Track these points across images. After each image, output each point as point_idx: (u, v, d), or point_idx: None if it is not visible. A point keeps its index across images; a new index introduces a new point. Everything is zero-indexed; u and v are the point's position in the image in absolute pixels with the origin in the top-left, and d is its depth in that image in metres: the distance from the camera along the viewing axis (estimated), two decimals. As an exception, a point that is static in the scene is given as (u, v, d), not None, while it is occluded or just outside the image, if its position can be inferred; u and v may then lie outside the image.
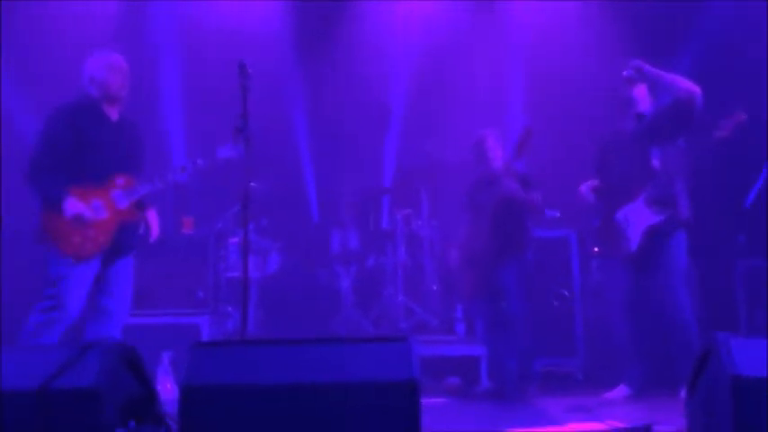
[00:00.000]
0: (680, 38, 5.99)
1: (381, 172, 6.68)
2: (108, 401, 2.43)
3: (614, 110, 4.50)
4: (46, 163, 3.69)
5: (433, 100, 6.44)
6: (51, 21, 6.17)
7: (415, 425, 2.33)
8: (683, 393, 3.37)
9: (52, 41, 6.13)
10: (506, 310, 4.73)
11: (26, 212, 5.98)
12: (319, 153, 6.77)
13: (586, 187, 4.54)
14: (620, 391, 4.42)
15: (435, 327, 5.71)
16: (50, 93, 6.01)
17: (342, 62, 6.57)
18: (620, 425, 3.35)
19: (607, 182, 4.51)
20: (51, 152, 3.69)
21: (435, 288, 5.88)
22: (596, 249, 5.62)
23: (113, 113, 3.86)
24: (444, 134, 6.23)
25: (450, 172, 6.00)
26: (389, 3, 6.58)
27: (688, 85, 4.16)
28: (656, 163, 4.23)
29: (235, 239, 5.67)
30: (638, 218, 4.35)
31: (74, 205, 3.64)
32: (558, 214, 5.62)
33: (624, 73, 4.30)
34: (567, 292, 5.48)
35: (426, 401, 2.60)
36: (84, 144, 3.71)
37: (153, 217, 3.99)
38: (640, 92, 4.39)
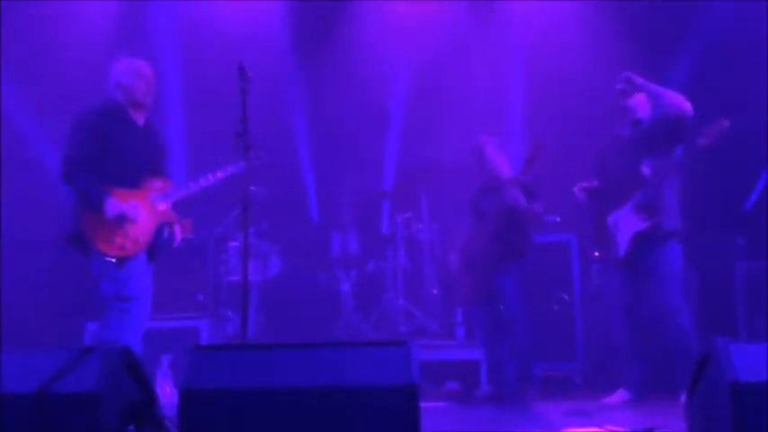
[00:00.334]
0: (679, 38, 5.99)
1: (381, 175, 6.68)
2: (108, 405, 2.43)
3: (613, 115, 4.51)
4: (81, 163, 3.69)
5: (432, 102, 6.44)
6: (51, 21, 6.18)
7: (415, 429, 2.33)
8: (682, 398, 3.37)
9: (52, 42, 6.14)
10: (505, 313, 4.73)
11: (26, 220, 6.06)
12: (319, 156, 6.77)
13: (579, 187, 4.55)
14: (620, 395, 4.42)
15: (435, 331, 5.71)
16: (50, 93, 6.06)
17: (341, 64, 6.57)
18: (620, 429, 3.35)
19: (602, 186, 4.53)
20: (84, 153, 3.70)
21: (435, 292, 5.88)
22: (597, 254, 5.62)
23: (139, 119, 3.88)
24: (444, 137, 6.23)
25: (450, 175, 6.01)
26: (388, 4, 6.59)
27: (678, 102, 4.17)
28: (645, 170, 4.25)
29: (235, 243, 5.67)
30: (626, 223, 4.38)
31: (115, 205, 3.64)
32: (559, 219, 5.62)
33: (617, 86, 4.32)
34: (566, 297, 5.48)
35: (426, 405, 2.60)
36: (110, 148, 3.72)
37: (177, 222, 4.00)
38: (638, 99, 4.40)
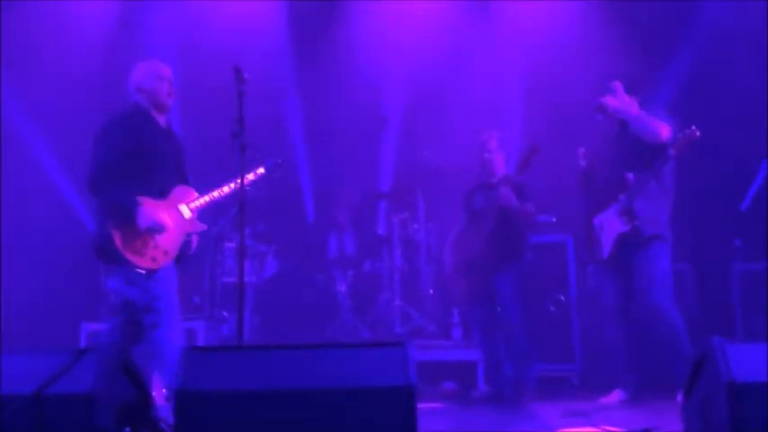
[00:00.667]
0: (678, 37, 5.99)
1: (378, 176, 6.68)
2: (104, 407, 2.42)
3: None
4: (113, 173, 3.59)
5: (429, 103, 6.44)
6: (48, 22, 6.16)
7: (412, 430, 2.33)
8: (679, 398, 3.37)
9: (49, 43, 6.13)
10: (503, 314, 4.74)
11: (23, 222, 6.05)
12: (316, 157, 6.76)
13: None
14: (616, 395, 4.42)
15: (432, 331, 5.70)
16: (47, 94, 6.05)
17: (339, 64, 6.57)
18: (617, 430, 3.35)
19: (592, 187, 4.54)
20: (115, 162, 3.60)
21: (432, 292, 5.88)
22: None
23: (161, 121, 3.84)
24: (441, 137, 6.23)
25: (446, 176, 6.01)
26: (386, 5, 6.59)
27: (654, 129, 4.17)
28: (629, 176, 4.27)
29: (231, 244, 5.66)
30: (610, 225, 4.40)
31: (147, 217, 3.56)
32: (554, 219, 5.62)
33: (594, 114, 4.34)
34: (563, 297, 5.48)
35: (423, 406, 2.60)
36: (143, 153, 3.67)
37: None
38: (619, 101, 4.39)
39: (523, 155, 4.59)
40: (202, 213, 3.89)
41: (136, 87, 3.81)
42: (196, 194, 3.82)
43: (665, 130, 4.14)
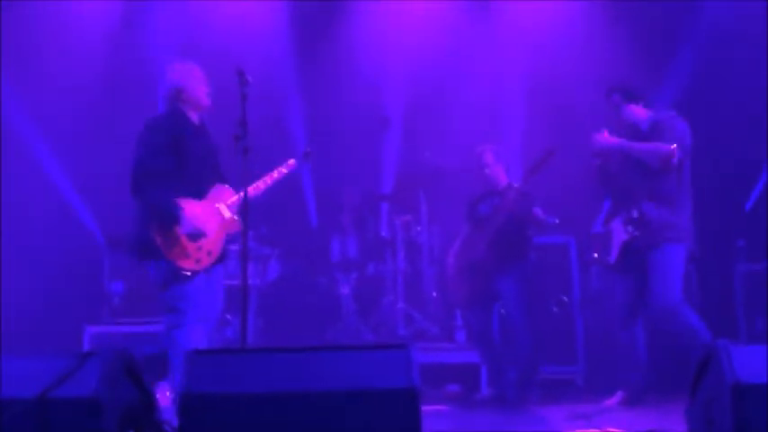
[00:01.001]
0: (679, 38, 5.98)
1: (380, 178, 6.67)
2: (108, 410, 2.42)
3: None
4: (152, 175, 3.60)
5: (431, 105, 6.44)
6: (48, 23, 6.17)
7: (416, 432, 2.33)
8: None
9: (48, 43, 6.13)
10: (507, 316, 4.74)
11: (26, 224, 6.05)
12: (318, 159, 6.75)
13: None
14: (618, 397, 4.41)
15: (435, 334, 5.70)
16: (47, 95, 6.05)
17: (340, 66, 6.56)
18: (621, 432, 3.34)
19: (609, 189, 4.53)
20: (155, 163, 3.62)
21: (435, 295, 5.87)
22: (596, 255, 5.62)
23: (197, 120, 3.85)
24: (443, 139, 6.23)
25: (449, 177, 6.00)
26: (387, 5, 6.59)
27: (657, 156, 4.17)
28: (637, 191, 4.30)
29: (234, 247, 5.65)
30: (617, 232, 4.41)
31: (191, 220, 3.60)
32: (558, 221, 5.62)
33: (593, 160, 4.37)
34: (566, 299, 5.48)
35: (427, 409, 2.60)
36: (181, 154, 3.68)
37: None
38: (630, 110, 4.38)
39: (539, 157, 4.57)
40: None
41: (174, 89, 3.81)
42: (233, 193, 3.81)
43: (673, 155, 4.13)
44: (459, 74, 6.43)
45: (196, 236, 3.61)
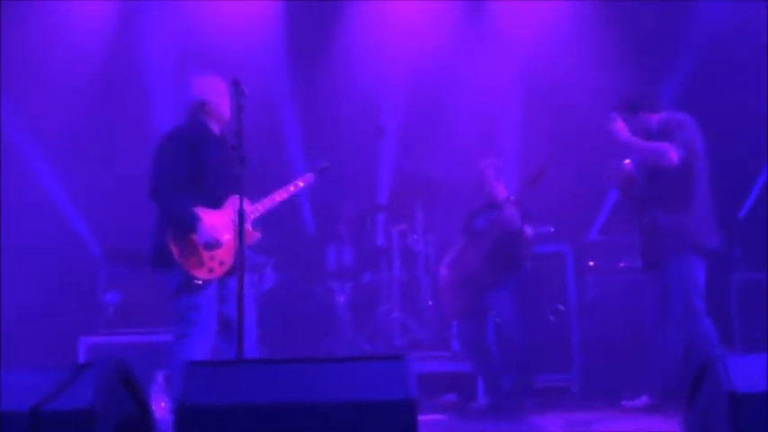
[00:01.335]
0: (676, 39, 6.00)
1: (376, 187, 6.68)
2: (103, 422, 2.41)
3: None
4: (171, 185, 3.67)
5: (428, 114, 6.45)
6: (43, 26, 6.16)
7: (413, 443, 2.32)
8: None
9: (44, 47, 6.12)
10: (502, 325, 4.74)
11: (21, 233, 6.03)
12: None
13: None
14: (643, 402, 4.39)
15: (431, 343, 5.69)
16: (40, 99, 6.04)
17: (336, 75, 6.58)
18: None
19: (635, 192, 4.48)
20: (174, 175, 3.69)
21: (431, 304, 5.87)
22: (591, 263, 5.63)
23: (218, 133, 3.90)
24: (440, 148, 6.24)
25: (445, 186, 6.01)
26: (383, 15, 6.61)
27: (660, 157, 4.11)
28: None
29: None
30: (638, 237, 4.43)
31: (206, 230, 3.63)
32: (553, 229, 5.63)
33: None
34: (562, 307, 5.48)
35: (423, 418, 2.59)
36: (200, 164, 3.72)
37: None
38: (641, 121, 4.37)
39: (534, 171, 4.58)
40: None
41: (197, 101, 3.86)
42: (250, 204, 3.83)
43: (672, 154, 4.07)
44: (455, 83, 6.45)
45: (212, 245, 3.64)
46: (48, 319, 5.77)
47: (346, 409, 2.34)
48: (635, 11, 6.09)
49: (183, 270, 3.64)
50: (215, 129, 3.87)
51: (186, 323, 3.66)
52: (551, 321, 5.45)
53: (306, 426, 2.34)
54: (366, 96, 6.45)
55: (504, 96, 6.35)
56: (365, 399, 2.35)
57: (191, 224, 3.63)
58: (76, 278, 5.98)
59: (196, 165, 3.71)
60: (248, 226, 3.79)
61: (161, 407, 4.69)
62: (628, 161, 4.34)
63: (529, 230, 4.69)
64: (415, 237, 5.98)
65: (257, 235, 3.86)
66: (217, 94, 3.86)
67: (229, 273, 3.74)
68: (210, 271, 3.66)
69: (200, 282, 3.64)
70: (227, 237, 3.71)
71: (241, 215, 3.45)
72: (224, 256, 3.71)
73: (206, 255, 3.65)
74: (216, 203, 3.76)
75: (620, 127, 4.26)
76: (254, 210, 3.84)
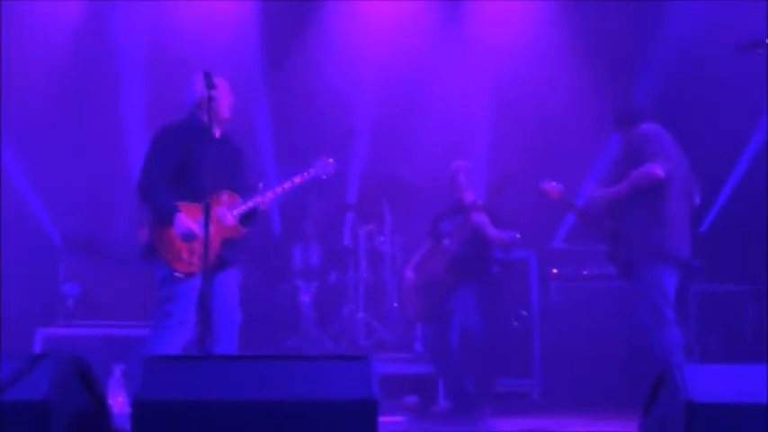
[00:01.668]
0: (648, 45, 6.06)
1: (345, 187, 6.66)
2: (57, 415, 2.36)
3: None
4: (156, 179, 3.75)
5: (399, 116, 6.46)
6: (10, 23, 6.03)
7: (373, 444, 2.32)
8: None
9: (11, 44, 6.00)
10: (466, 330, 4.75)
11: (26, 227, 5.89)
12: (283, 166, 6.72)
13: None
14: None
15: (395, 344, 5.70)
16: (6, 94, 5.91)
17: (308, 75, 6.55)
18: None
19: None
20: (160, 169, 3.76)
21: (396, 305, 5.88)
22: (555, 271, 5.69)
23: (217, 132, 3.90)
24: (409, 150, 6.25)
25: (413, 188, 6.02)
26: (357, 17, 6.60)
27: (645, 178, 4.06)
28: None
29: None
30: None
31: (183, 221, 3.66)
32: (519, 235, 5.67)
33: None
34: (525, 312, 5.53)
35: (384, 420, 2.59)
36: (190, 163, 3.74)
37: None
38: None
39: (497, 181, 4.61)
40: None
41: (198, 98, 3.84)
42: (237, 200, 3.83)
43: (656, 171, 4.02)
44: (428, 86, 6.47)
45: (188, 238, 3.66)
46: (4, 310, 5.64)
47: (308, 407, 2.32)
48: (608, 19, 6.16)
49: (165, 262, 3.71)
50: (213, 127, 3.86)
51: (162, 314, 3.71)
52: (514, 327, 5.50)
53: (267, 423, 2.32)
54: (338, 96, 6.44)
55: (476, 101, 6.39)
56: (327, 397, 2.34)
57: (169, 216, 3.67)
58: (35, 267, 5.86)
59: (184, 160, 3.74)
60: (233, 221, 3.80)
61: (118, 401, 4.62)
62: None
63: (494, 233, 4.72)
64: (382, 238, 5.98)
65: (243, 230, 3.84)
66: (217, 92, 3.81)
67: (217, 268, 3.74)
68: (190, 265, 3.69)
69: (179, 275, 3.69)
70: (210, 231, 3.67)
71: (206, 216, 3.44)
72: (197, 250, 3.68)
73: (184, 248, 3.69)
74: (202, 199, 3.71)
75: (598, 196, 4.27)
76: (240, 206, 3.82)
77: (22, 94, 5.96)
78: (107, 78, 6.24)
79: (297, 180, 3.95)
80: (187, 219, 3.67)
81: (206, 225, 3.43)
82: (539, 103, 6.14)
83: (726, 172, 5.99)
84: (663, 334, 4.06)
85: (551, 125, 6.19)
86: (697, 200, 4.33)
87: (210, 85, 3.55)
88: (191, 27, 6.37)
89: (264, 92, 6.55)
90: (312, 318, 5.82)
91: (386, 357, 5.40)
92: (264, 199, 3.85)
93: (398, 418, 4.63)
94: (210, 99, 3.55)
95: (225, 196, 3.82)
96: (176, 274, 3.70)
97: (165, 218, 3.69)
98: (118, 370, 4.84)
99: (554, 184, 4.46)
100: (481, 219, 4.66)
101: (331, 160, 4.07)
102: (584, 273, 5.64)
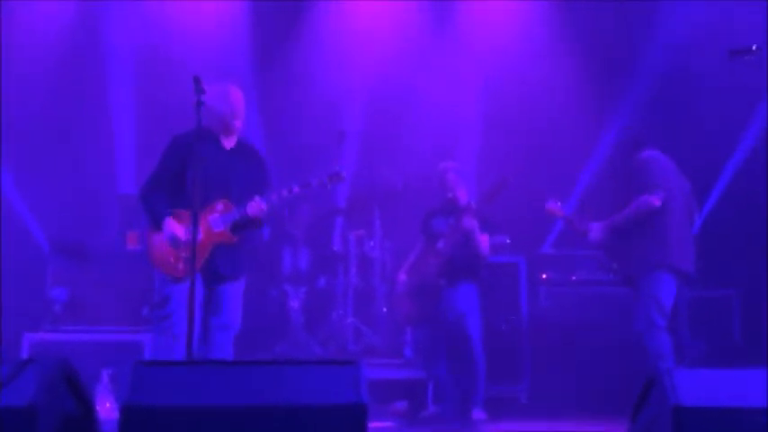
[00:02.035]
0: (641, 48, 6.08)
1: (335, 192, 6.65)
2: (44, 421, 2.34)
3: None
4: (153, 186, 3.87)
5: (389, 120, 6.47)
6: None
7: (362, 450, 2.31)
8: None
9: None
10: (459, 334, 4.75)
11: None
12: (272, 170, 6.69)
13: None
14: None
15: (384, 349, 5.69)
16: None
17: (298, 78, 6.55)
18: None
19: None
20: (161, 176, 3.87)
21: (385, 310, 5.87)
22: (544, 276, 5.70)
23: (229, 141, 3.95)
24: (399, 154, 6.25)
25: (403, 193, 6.02)
26: (347, 20, 6.60)
27: (642, 209, 4.23)
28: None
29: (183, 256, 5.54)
30: None
31: (171, 226, 3.75)
32: (508, 240, 5.69)
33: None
34: (514, 317, 5.54)
35: (374, 425, 2.58)
36: (188, 171, 3.77)
37: None
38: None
39: (492, 187, 4.61)
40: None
41: (205, 106, 3.78)
42: (231, 208, 3.84)
43: (653, 201, 4.20)
44: (418, 88, 6.47)
45: (174, 243, 3.73)
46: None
47: (297, 413, 2.32)
48: (601, 19, 6.17)
49: (155, 265, 3.83)
50: (221, 135, 3.91)
51: (157, 318, 3.81)
52: (503, 331, 5.50)
53: (256, 428, 2.31)
54: (328, 100, 6.44)
55: (467, 104, 6.40)
56: (316, 402, 2.33)
57: (159, 220, 3.77)
58: (22, 272, 5.82)
59: (185, 168, 3.79)
60: (223, 228, 3.81)
61: (106, 407, 4.59)
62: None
63: (482, 241, 4.72)
64: (372, 243, 5.97)
65: (233, 238, 3.84)
66: (220, 99, 3.87)
67: (215, 276, 3.80)
68: (176, 269, 3.76)
69: (168, 279, 3.77)
70: (198, 238, 3.65)
71: (195, 219, 3.42)
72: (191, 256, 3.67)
73: (172, 253, 3.75)
74: (194, 207, 3.73)
75: (603, 228, 4.39)
76: (232, 214, 3.82)
77: (9, 97, 5.92)
78: (95, 82, 6.22)
79: (295, 189, 3.93)
80: (175, 224, 3.73)
81: (194, 232, 3.43)
82: (530, 105, 6.16)
83: (714, 176, 6.02)
84: (654, 339, 4.13)
85: (542, 127, 6.21)
86: (695, 223, 4.54)
87: (199, 90, 3.54)
88: (180, 29, 6.35)
89: (253, 95, 6.53)
90: (301, 322, 5.80)
91: (375, 362, 5.38)
92: (252, 209, 3.80)
93: (388, 424, 4.63)
94: (199, 104, 3.54)
95: (220, 205, 3.84)
96: (168, 279, 3.77)
97: (156, 223, 3.79)
98: (106, 375, 4.81)
99: (559, 204, 4.57)
100: (471, 224, 4.66)
101: (340, 173, 4.05)
102: (574, 278, 5.65)
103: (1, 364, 2.47)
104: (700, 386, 2.47)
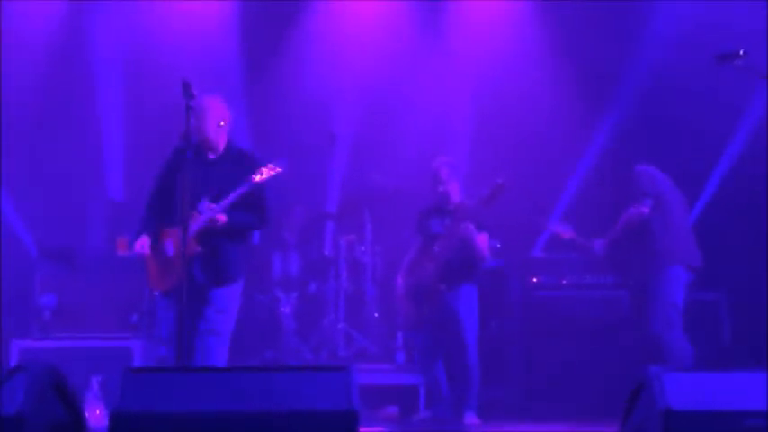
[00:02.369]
0: (632, 46, 6.11)
1: (325, 196, 6.64)
2: (33, 429, 2.33)
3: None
4: (148, 201, 4.02)
5: (380, 123, 6.45)
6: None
7: (353, 455, 2.31)
8: None
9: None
10: (455, 338, 4.74)
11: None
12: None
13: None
14: None
15: (375, 354, 5.68)
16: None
17: (288, 81, 6.53)
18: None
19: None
20: (151, 191, 4.03)
21: (377, 315, 5.86)
22: (535, 280, 5.71)
23: (213, 153, 4.02)
24: (391, 158, 6.25)
25: (395, 198, 6.01)
26: (338, 22, 6.60)
27: (637, 218, 4.58)
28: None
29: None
30: None
31: (143, 244, 3.90)
32: (499, 245, 5.69)
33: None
34: (505, 321, 5.54)
35: (364, 430, 2.58)
36: (172, 182, 3.87)
37: None
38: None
39: (490, 191, 4.61)
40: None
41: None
42: (199, 218, 3.86)
43: (642, 210, 4.56)
44: (409, 92, 6.46)
45: (157, 257, 3.89)
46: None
47: (287, 419, 2.31)
48: (591, 23, 6.19)
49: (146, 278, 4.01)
50: (203, 148, 3.97)
51: (145, 326, 4.16)
52: (494, 335, 5.50)
53: (245, 435, 2.31)
54: (319, 102, 6.42)
55: (457, 107, 6.40)
56: (307, 408, 2.33)
57: (137, 236, 3.93)
58: (10, 279, 5.77)
59: (166, 183, 3.93)
60: (190, 237, 3.77)
61: (96, 414, 4.57)
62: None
63: (485, 240, 4.73)
64: (363, 248, 5.95)
65: (197, 249, 3.83)
66: (194, 112, 3.81)
67: (198, 285, 3.82)
68: (159, 283, 3.89)
69: (155, 292, 3.93)
70: (171, 252, 3.88)
71: (185, 225, 3.42)
72: (171, 269, 3.80)
73: (155, 267, 3.88)
74: (170, 221, 3.92)
75: (604, 244, 4.78)
76: (197, 222, 3.82)
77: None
78: (84, 86, 6.19)
79: (240, 190, 3.90)
80: (158, 240, 3.89)
81: (183, 244, 3.48)
82: (520, 108, 6.16)
83: (703, 180, 6.05)
84: (675, 339, 4.26)
85: (533, 130, 6.21)
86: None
87: (188, 95, 3.52)
88: (169, 30, 6.32)
89: (243, 97, 6.52)
90: (292, 328, 5.78)
91: (366, 368, 5.37)
92: (200, 219, 3.83)
93: (379, 429, 4.62)
94: (187, 109, 3.52)
95: (193, 218, 3.87)
96: (153, 291, 3.96)
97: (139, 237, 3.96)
98: (95, 382, 4.78)
99: (565, 226, 4.73)
100: (468, 230, 4.65)
101: (272, 166, 4.01)
102: (564, 281, 5.66)
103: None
104: (689, 389, 2.48)
